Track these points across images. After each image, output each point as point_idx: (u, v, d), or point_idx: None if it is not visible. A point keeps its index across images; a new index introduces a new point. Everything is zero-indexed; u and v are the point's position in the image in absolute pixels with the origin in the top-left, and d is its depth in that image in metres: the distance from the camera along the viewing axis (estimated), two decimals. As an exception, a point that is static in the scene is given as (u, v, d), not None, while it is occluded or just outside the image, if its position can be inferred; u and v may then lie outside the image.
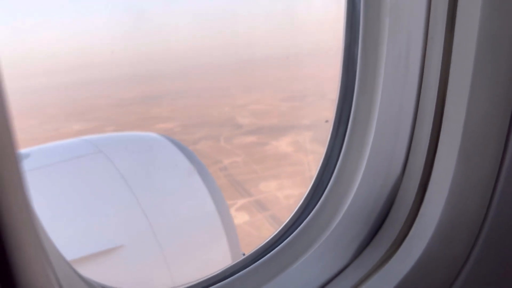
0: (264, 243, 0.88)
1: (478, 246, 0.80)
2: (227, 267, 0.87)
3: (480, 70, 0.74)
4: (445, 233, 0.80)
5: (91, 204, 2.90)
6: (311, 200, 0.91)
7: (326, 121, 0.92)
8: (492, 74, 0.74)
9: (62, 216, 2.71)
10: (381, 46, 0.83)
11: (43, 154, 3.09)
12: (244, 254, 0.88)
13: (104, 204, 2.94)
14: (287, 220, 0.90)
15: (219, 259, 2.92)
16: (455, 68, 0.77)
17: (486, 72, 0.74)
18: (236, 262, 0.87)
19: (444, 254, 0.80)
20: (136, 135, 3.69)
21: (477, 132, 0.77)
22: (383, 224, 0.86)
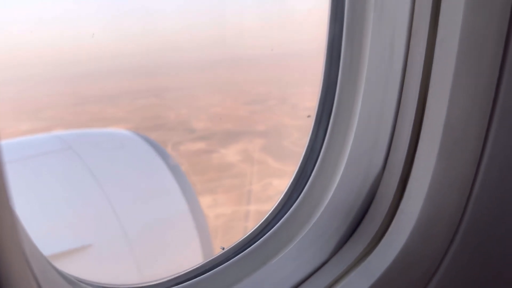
0: (244, 237, 0.87)
1: (456, 241, 0.81)
2: (205, 261, 0.85)
3: (462, 67, 0.74)
4: (424, 228, 0.80)
5: (59, 202, 2.81)
6: (292, 194, 0.90)
7: (308, 116, 0.91)
8: (473, 70, 0.75)
9: (27, 214, 2.62)
10: (365, 40, 0.83)
11: (10, 149, 2.98)
12: (223, 249, 0.86)
13: (72, 202, 2.86)
14: (268, 214, 0.89)
15: (191, 257, 2.88)
16: (438, 64, 0.78)
17: (467, 68, 0.75)
18: (214, 257, 0.85)
19: (423, 249, 0.81)
20: (108, 132, 3.61)
21: (457, 128, 0.77)
22: (364, 219, 0.86)
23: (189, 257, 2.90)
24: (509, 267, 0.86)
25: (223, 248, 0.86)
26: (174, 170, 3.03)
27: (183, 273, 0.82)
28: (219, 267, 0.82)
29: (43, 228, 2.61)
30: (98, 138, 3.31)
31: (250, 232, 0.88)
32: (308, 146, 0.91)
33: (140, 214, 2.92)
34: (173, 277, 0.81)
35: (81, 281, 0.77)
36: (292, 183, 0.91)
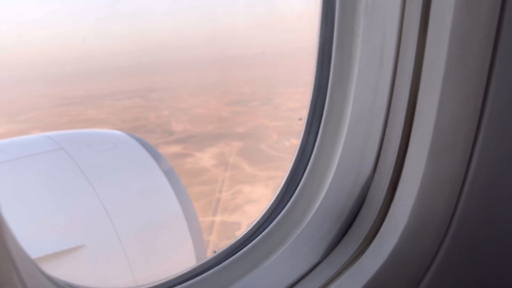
0: (236, 240, 0.87)
1: (446, 242, 0.82)
2: (198, 265, 0.85)
3: (451, 70, 0.75)
4: (415, 230, 0.81)
5: (51, 203, 2.80)
6: (283, 197, 0.91)
7: (300, 119, 0.92)
8: (462, 74, 0.76)
9: (20, 215, 2.60)
10: (355, 44, 0.84)
11: (0, 150, 2.96)
12: (215, 252, 0.87)
13: (65, 203, 2.85)
14: (260, 217, 0.89)
15: (184, 259, 2.88)
16: (427, 68, 0.78)
17: (456, 72, 0.76)
18: (207, 260, 0.86)
19: (414, 250, 0.81)
20: (100, 132, 3.59)
21: (447, 131, 0.78)
22: (355, 221, 0.87)
23: (182, 258, 2.89)
24: (497, 267, 0.87)
25: (215, 252, 0.86)
26: (167, 171, 3.03)
27: (174, 277, 0.82)
28: (210, 271, 0.83)
29: (36, 229, 2.60)
30: (90, 139, 3.30)
31: (242, 235, 0.88)
32: (300, 149, 0.91)
33: (133, 215, 2.92)
34: (163, 281, 0.81)
35: (70, 285, 0.77)
36: (283, 185, 0.91)
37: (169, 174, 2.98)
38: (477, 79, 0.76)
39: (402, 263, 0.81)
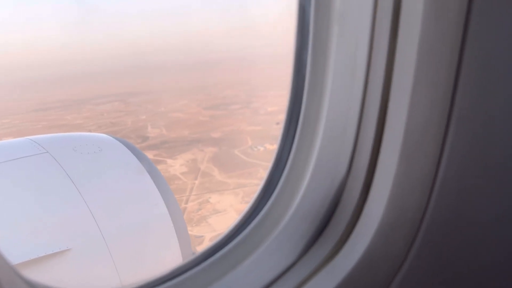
0: (215, 242, 0.89)
1: (417, 241, 0.85)
2: (177, 266, 0.87)
3: (420, 75, 0.79)
4: (387, 230, 0.84)
5: (36, 207, 2.79)
6: (262, 199, 0.93)
7: (277, 123, 0.95)
8: (431, 78, 0.79)
9: (5, 219, 2.59)
10: (329, 51, 0.87)
11: (-16, 154, 2.94)
12: (194, 253, 0.89)
13: (50, 207, 2.84)
14: (239, 219, 0.92)
15: (170, 260, 2.89)
16: (398, 73, 0.82)
17: (425, 76, 0.79)
18: (186, 261, 0.88)
19: (387, 249, 0.85)
20: (85, 135, 3.58)
21: (417, 133, 0.82)
22: (330, 222, 0.90)
23: (169, 259, 2.90)
24: (466, 266, 0.90)
25: (194, 253, 0.88)
26: (153, 173, 3.03)
27: (152, 278, 0.84)
28: (189, 272, 0.85)
29: (21, 233, 2.59)
30: (75, 142, 3.29)
31: (222, 237, 0.90)
32: (277, 152, 0.94)
33: (119, 218, 2.92)
34: (143, 282, 0.83)
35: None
36: (262, 188, 0.94)
37: (155, 176, 3.00)
38: (445, 83, 0.79)
39: (375, 262, 0.84)
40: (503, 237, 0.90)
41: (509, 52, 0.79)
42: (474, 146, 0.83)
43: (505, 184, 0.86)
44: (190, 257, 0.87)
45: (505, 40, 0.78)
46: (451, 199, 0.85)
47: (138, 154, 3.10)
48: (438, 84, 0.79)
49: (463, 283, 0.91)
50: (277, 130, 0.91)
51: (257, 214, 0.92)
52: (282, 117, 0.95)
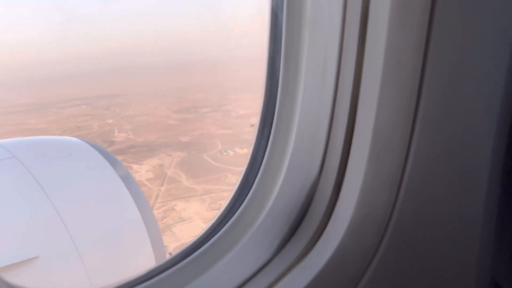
0: (191, 242, 0.91)
1: (386, 237, 0.90)
2: (152, 267, 0.88)
3: (387, 79, 0.83)
4: (358, 227, 0.88)
5: (3, 213, 2.71)
6: (237, 200, 0.95)
7: (252, 125, 0.97)
8: (396, 82, 0.83)
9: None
10: (301, 56, 0.90)
11: None
12: (171, 254, 0.90)
13: (18, 213, 2.77)
14: (214, 220, 0.94)
15: (144, 264, 2.87)
16: (366, 77, 0.86)
17: (392, 80, 0.83)
18: (159, 264, 0.89)
19: (357, 245, 0.88)
20: (55, 139, 3.51)
21: (385, 135, 0.86)
22: (303, 221, 0.93)
23: (142, 263, 2.88)
24: (433, 260, 0.95)
25: (171, 254, 0.89)
26: (125, 178, 3.01)
27: (126, 280, 0.84)
28: (164, 273, 0.86)
29: (-13, 241, 2.52)
30: (44, 146, 3.22)
31: (197, 237, 0.92)
32: (252, 154, 0.96)
33: (90, 224, 2.87)
34: (116, 285, 0.84)
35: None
36: (237, 189, 0.96)
37: (127, 180, 2.97)
38: (410, 86, 0.84)
39: (346, 257, 0.88)
40: (464, 233, 0.95)
41: (470, 56, 0.84)
42: (438, 146, 0.88)
43: (467, 183, 0.92)
44: (165, 260, 0.88)
45: (466, 45, 0.83)
46: (417, 196, 0.89)
47: (109, 158, 3.07)
48: (403, 88, 0.84)
49: (429, 275, 0.96)
50: (248, 134, 0.94)
51: (233, 214, 0.94)
52: (254, 120, 0.98)
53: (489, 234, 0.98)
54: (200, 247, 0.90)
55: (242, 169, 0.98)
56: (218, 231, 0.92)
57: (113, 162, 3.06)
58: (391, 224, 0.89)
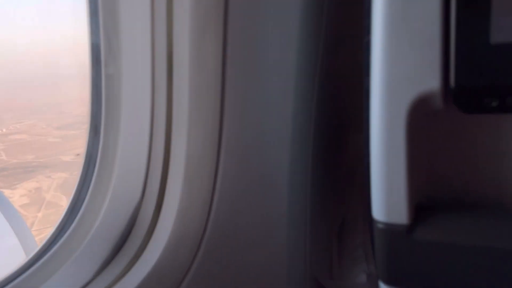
0: (13, 271, 0.95)
1: (201, 249, 1.03)
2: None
3: (192, 115, 0.96)
4: (175, 242, 1.00)
5: None
6: (64, 226, 1.02)
7: (77, 154, 1.05)
8: (201, 118, 0.97)
9: None
10: (121, 96, 1.00)
11: None
12: (-6, 284, 0.93)
13: None
14: (40, 246, 0.99)
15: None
16: (176, 114, 0.98)
17: (197, 116, 0.97)
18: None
19: (174, 260, 1.00)
20: None
21: (196, 161, 0.99)
22: (125, 243, 1.03)
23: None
24: (247, 265, 1.10)
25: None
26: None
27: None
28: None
29: None
30: None
31: (21, 265, 0.97)
32: (79, 184, 1.04)
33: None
34: None
35: None
36: (65, 214, 1.03)
37: (2, 204, 2.84)
38: (212, 121, 0.98)
39: (163, 272, 0.99)
40: (274, 234, 1.11)
41: (259, 86, 1.01)
42: (240, 167, 1.03)
43: (269, 189, 1.08)
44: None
45: (254, 79, 1.00)
46: (226, 210, 1.04)
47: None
48: (207, 122, 0.98)
49: (243, 280, 1.10)
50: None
51: (57, 241, 1.01)
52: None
53: (299, 231, 1.15)
54: (19, 275, 0.95)
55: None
56: (42, 256, 0.98)
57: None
58: (205, 236, 1.03)
